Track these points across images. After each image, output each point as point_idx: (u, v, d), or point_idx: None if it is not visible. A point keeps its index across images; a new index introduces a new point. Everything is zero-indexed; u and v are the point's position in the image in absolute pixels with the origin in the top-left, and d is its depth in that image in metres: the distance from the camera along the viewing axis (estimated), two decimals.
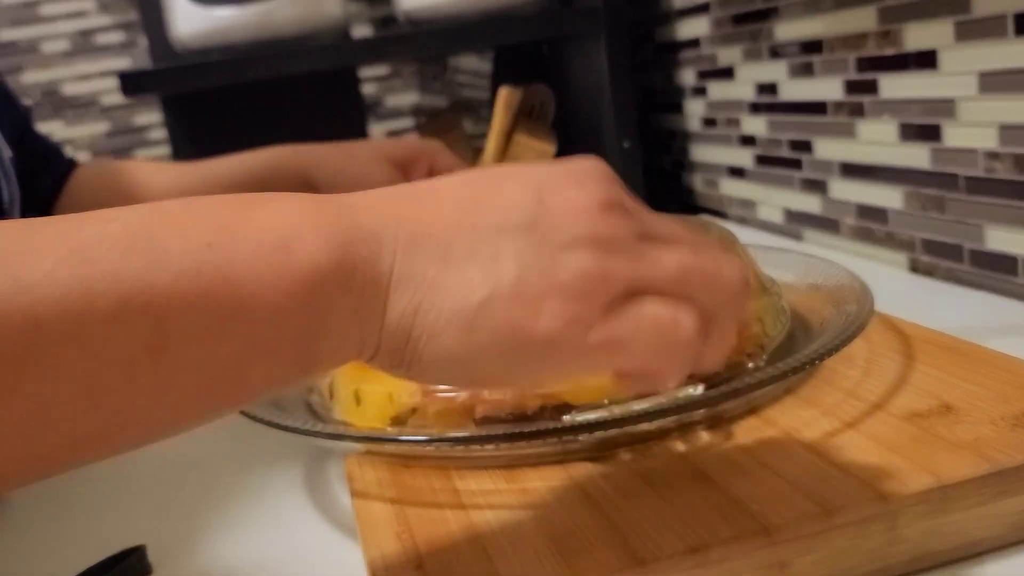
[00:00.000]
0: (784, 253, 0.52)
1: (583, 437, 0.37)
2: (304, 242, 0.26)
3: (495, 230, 0.28)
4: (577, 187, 0.28)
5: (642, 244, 0.28)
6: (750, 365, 0.41)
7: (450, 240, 0.28)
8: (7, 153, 0.64)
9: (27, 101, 1.39)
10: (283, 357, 0.27)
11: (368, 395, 0.41)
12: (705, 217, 0.50)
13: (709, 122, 1.01)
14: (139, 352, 0.24)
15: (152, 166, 0.79)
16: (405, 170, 0.72)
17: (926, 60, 0.64)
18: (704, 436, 0.38)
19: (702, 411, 0.38)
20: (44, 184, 0.73)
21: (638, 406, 0.37)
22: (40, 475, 0.25)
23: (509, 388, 0.34)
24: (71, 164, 0.77)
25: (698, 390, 0.38)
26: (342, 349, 0.28)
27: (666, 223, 0.30)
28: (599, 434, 0.37)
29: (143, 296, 0.24)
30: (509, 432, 0.37)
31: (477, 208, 0.28)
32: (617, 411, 0.37)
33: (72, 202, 0.74)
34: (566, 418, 0.37)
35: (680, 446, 0.37)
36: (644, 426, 0.37)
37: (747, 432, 0.38)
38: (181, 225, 0.26)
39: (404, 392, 0.39)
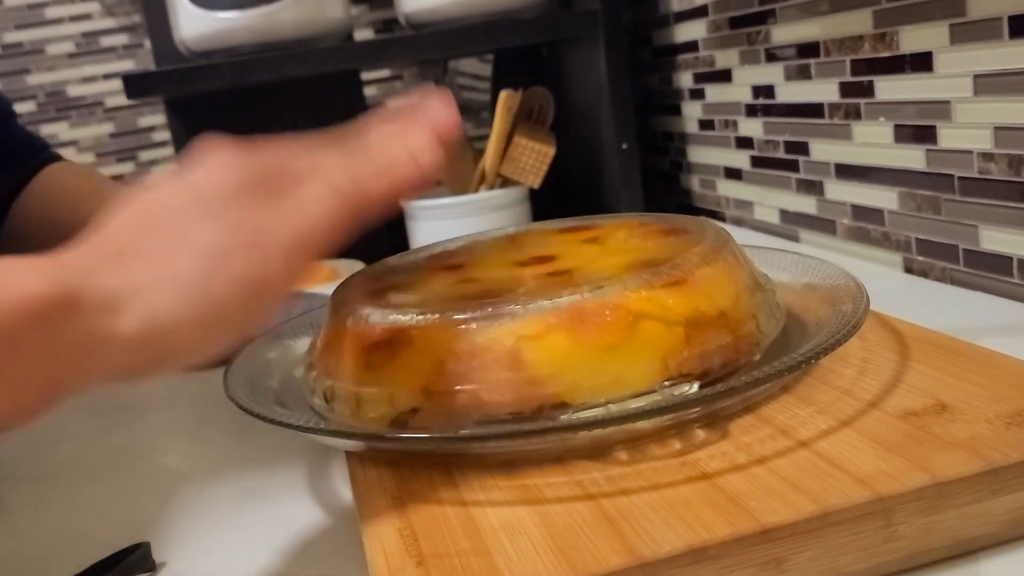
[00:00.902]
0: (780, 253, 0.53)
1: (581, 435, 0.38)
2: (21, 277, 0.29)
3: (171, 221, 0.33)
4: (210, 168, 0.35)
5: (272, 174, 0.36)
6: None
7: (146, 245, 0.32)
8: None
9: (31, 102, 1.40)
10: (30, 380, 0.29)
11: (368, 397, 0.41)
12: (701, 218, 0.50)
13: (706, 124, 1.01)
14: None
15: (88, 181, 0.73)
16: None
17: (921, 62, 0.65)
18: (700, 434, 0.38)
19: (698, 410, 0.38)
20: (5, 184, 0.70)
21: (635, 404, 0.37)
22: None
23: (248, 329, 0.35)
24: (40, 164, 0.71)
25: (693, 388, 0.38)
26: (86, 368, 0.30)
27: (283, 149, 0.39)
28: (596, 432, 0.38)
29: None
30: (508, 431, 0.37)
31: (149, 213, 0.34)
32: (614, 410, 0.37)
33: (25, 204, 0.70)
34: (563, 417, 0.38)
35: (677, 444, 0.38)
36: (641, 425, 0.38)
37: (743, 430, 0.38)
38: None
39: (405, 393, 0.40)
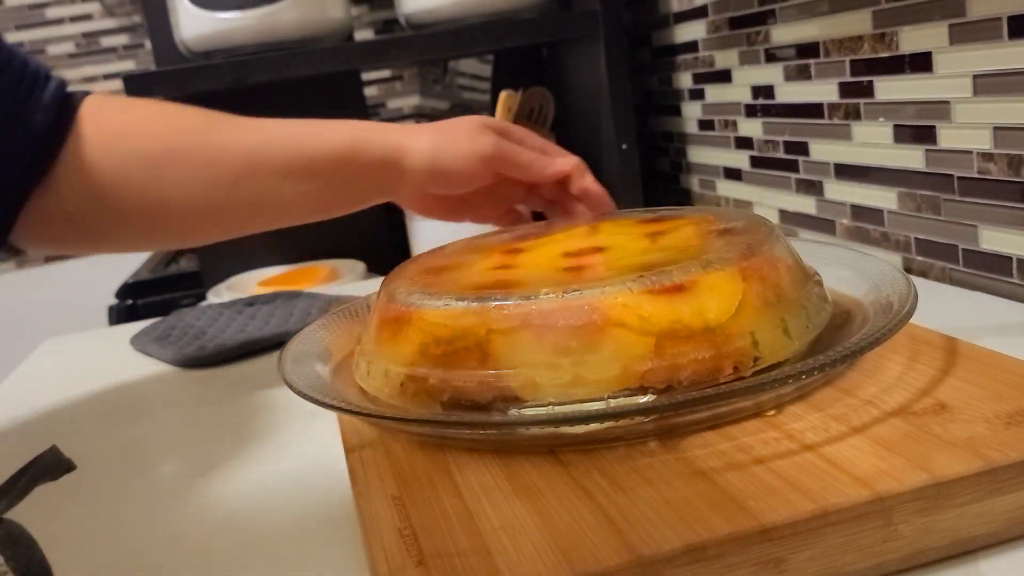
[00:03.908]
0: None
1: (529, 431, 0.38)
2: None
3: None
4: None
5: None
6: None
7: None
8: None
9: None
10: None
11: (375, 369, 0.44)
12: (759, 216, 0.49)
13: (706, 124, 1.01)
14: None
15: (197, 130, 0.58)
16: (504, 134, 0.62)
17: (921, 62, 0.65)
18: (701, 434, 0.38)
19: (646, 420, 0.38)
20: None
21: (574, 408, 0.38)
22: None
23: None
24: (65, 115, 0.57)
25: (646, 399, 0.38)
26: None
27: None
28: (548, 431, 0.38)
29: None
30: (442, 419, 0.40)
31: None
32: (556, 411, 0.38)
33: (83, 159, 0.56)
34: (513, 412, 0.39)
35: (677, 443, 0.38)
36: (646, 426, 0.38)
37: (743, 430, 0.38)
38: None
39: (397, 369, 0.43)
